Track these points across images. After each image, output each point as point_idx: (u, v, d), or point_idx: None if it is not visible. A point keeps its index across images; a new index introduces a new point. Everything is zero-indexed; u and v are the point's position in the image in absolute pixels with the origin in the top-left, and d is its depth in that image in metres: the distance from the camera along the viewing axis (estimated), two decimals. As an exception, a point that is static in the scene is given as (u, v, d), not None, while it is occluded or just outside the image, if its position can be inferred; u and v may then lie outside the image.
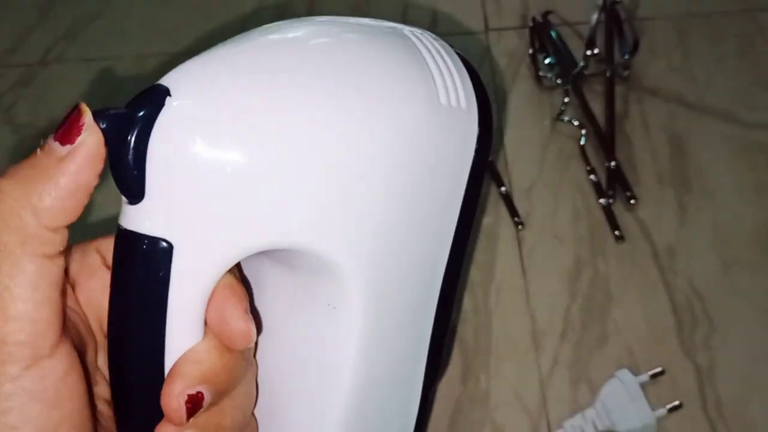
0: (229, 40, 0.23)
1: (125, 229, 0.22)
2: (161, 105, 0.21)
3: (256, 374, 0.27)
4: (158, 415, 0.23)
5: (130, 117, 0.21)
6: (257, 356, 0.27)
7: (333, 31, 0.24)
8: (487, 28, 0.64)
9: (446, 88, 0.25)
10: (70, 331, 0.23)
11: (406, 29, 0.27)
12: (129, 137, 0.21)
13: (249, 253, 0.23)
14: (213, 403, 0.23)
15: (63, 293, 0.22)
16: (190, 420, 0.23)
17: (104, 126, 0.21)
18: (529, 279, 0.50)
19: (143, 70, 0.63)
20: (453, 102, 0.26)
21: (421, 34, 0.27)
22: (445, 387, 0.46)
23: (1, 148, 0.60)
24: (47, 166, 0.21)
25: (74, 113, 0.21)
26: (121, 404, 0.24)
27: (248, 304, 0.24)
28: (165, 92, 0.21)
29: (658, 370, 0.46)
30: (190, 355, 0.23)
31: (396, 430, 0.29)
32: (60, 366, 0.22)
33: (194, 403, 0.22)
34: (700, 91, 0.58)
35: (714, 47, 0.61)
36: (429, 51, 0.26)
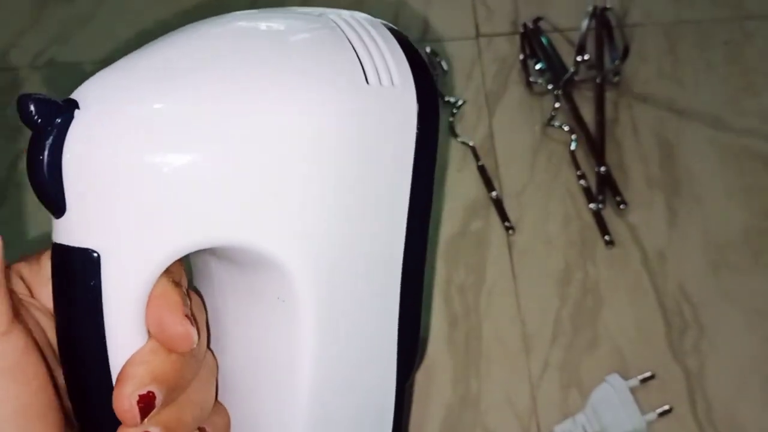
0: (144, 46, 0.23)
1: (55, 243, 0.23)
2: (71, 118, 0.21)
3: (216, 368, 0.27)
4: (115, 419, 0.23)
5: (58, 105, 0.21)
6: (218, 350, 0.27)
7: (246, 25, 0.24)
8: (478, 34, 0.64)
9: (375, 68, 0.25)
10: (26, 320, 0.24)
11: (332, 13, 0.26)
12: (42, 153, 0.21)
13: (178, 256, 0.23)
14: (166, 402, 0.24)
15: (8, 279, 0.23)
16: (151, 419, 0.23)
17: (33, 108, 0.21)
18: (519, 283, 0.50)
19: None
20: (384, 81, 0.25)
21: (350, 16, 0.26)
22: (435, 390, 0.46)
23: (-9, 152, 0.60)
24: None
25: None
26: (79, 411, 0.24)
27: (185, 306, 0.24)
28: (74, 105, 0.21)
29: (648, 374, 0.46)
30: (136, 357, 0.23)
31: (372, 421, 0.29)
32: (19, 342, 0.22)
33: (146, 403, 0.23)
34: (689, 97, 0.59)
35: (703, 54, 0.61)
36: (355, 31, 0.25)
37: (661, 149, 0.56)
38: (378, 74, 0.25)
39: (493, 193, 0.54)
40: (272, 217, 0.23)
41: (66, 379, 0.24)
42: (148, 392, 0.23)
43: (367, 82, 0.25)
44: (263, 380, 0.27)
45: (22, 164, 0.62)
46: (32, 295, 0.26)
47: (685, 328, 0.48)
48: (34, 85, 0.63)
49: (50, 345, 0.25)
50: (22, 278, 0.26)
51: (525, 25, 0.62)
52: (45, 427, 0.23)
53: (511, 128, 0.58)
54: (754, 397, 0.45)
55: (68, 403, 0.25)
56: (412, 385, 0.30)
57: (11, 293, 0.23)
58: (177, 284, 0.24)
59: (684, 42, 0.62)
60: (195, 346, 0.24)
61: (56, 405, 0.24)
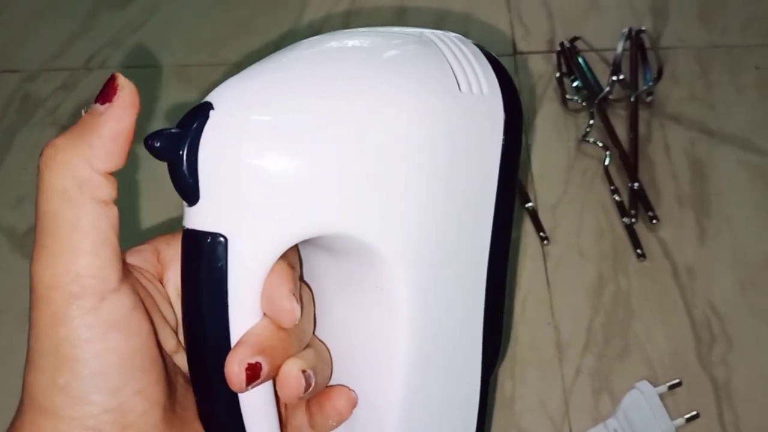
0: (265, 58, 0.27)
1: (187, 228, 0.25)
2: (206, 118, 0.24)
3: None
4: (229, 390, 0.25)
5: (181, 135, 0.24)
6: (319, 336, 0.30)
7: (354, 40, 0.27)
8: (515, 52, 0.67)
9: (466, 77, 0.27)
10: (135, 284, 0.26)
11: (427, 32, 0.30)
12: (182, 149, 0.24)
13: (296, 240, 0.26)
14: (269, 375, 0.26)
15: (118, 240, 0.25)
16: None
17: (158, 144, 0.24)
18: (553, 292, 0.52)
19: (184, 79, 0.65)
20: (474, 89, 0.28)
21: (442, 34, 0.30)
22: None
23: (45, 149, 0.62)
24: (91, 122, 0.24)
25: (110, 80, 0.24)
26: (198, 381, 0.27)
27: (294, 287, 0.26)
28: (209, 107, 0.24)
29: (676, 381, 0.47)
30: (250, 331, 0.26)
31: (459, 412, 0.31)
32: (127, 299, 0.25)
33: (253, 372, 0.25)
34: (720, 120, 0.61)
35: (734, 78, 0.63)
36: (447, 46, 0.28)
37: (692, 168, 0.58)
38: (469, 82, 0.28)
39: (529, 204, 0.56)
40: (376, 210, 0.26)
41: (188, 346, 0.26)
42: (256, 362, 0.25)
43: (460, 89, 0.27)
44: (360, 365, 0.29)
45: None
46: (163, 270, 0.28)
47: (713, 341, 0.49)
48: (87, 86, 0.65)
49: (165, 321, 0.28)
50: (158, 253, 0.29)
51: (562, 44, 0.64)
52: (147, 380, 0.25)
53: (546, 143, 0.60)
54: (779, 409, 0.47)
55: (171, 365, 0.28)
56: (495, 380, 0.33)
57: (125, 264, 0.26)
58: (291, 267, 0.26)
59: (715, 66, 0.64)
60: (297, 322, 0.26)
61: (159, 363, 0.26)
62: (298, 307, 0.26)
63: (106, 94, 0.24)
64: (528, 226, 0.55)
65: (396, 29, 0.29)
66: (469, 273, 0.30)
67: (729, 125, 0.60)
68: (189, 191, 0.24)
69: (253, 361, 0.25)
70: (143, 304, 0.26)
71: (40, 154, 0.24)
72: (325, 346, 0.29)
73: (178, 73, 0.66)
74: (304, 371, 0.26)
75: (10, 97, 0.65)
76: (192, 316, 0.26)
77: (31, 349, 0.25)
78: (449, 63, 0.28)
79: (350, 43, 0.27)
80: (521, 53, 0.67)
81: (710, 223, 0.55)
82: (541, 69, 0.65)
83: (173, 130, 0.24)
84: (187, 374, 0.29)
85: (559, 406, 0.47)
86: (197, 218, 0.25)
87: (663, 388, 0.47)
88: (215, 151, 0.24)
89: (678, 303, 0.51)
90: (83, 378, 0.24)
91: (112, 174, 0.24)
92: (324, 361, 0.28)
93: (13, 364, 0.51)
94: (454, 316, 0.29)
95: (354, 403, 0.29)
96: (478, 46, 0.29)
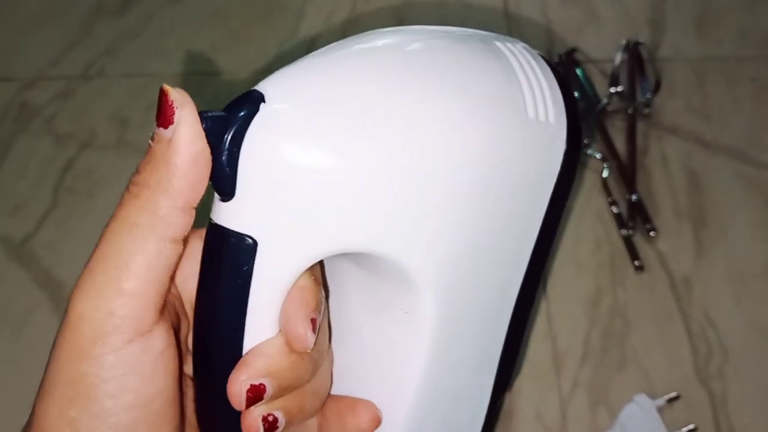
0: (322, 49, 0.25)
1: (215, 224, 0.23)
2: (256, 109, 0.22)
3: (332, 365, 0.28)
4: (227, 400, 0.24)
5: (227, 119, 0.22)
6: (333, 349, 0.28)
7: (422, 41, 0.25)
8: (513, 63, 0.67)
9: (535, 102, 0.25)
10: (168, 310, 0.25)
11: (498, 39, 0.27)
12: (225, 138, 0.22)
13: (327, 254, 0.24)
14: (275, 396, 0.25)
15: (172, 278, 0.24)
16: (274, 404, 0.25)
17: (205, 126, 0.22)
18: (551, 303, 0.52)
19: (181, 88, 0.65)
20: (541, 116, 0.25)
21: (512, 44, 0.27)
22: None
23: (42, 157, 0.62)
24: (162, 153, 0.22)
25: (161, 97, 0.22)
26: (201, 384, 0.26)
27: (314, 309, 0.24)
28: (260, 98, 0.22)
29: (674, 395, 0.47)
30: (260, 348, 0.24)
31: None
32: (159, 343, 0.23)
33: (255, 393, 0.24)
34: (716, 131, 0.61)
35: (731, 90, 0.63)
36: (519, 63, 0.26)
37: (688, 180, 0.58)
38: (537, 109, 0.25)
39: (527, 216, 0.56)
40: (417, 234, 0.24)
41: (196, 349, 0.25)
42: (260, 384, 0.24)
43: (527, 115, 0.25)
44: (370, 379, 0.28)
45: (73, 170, 0.64)
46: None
47: (710, 352, 0.49)
48: (84, 94, 0.65)
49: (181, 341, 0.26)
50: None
51: (560, 56, 0.64)
52: (161, 421, 0.24)
53: (544, 154, 0.60)
54: (776, 421, 0.46)
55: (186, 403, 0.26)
56: (502, 403, 0.31)
57: (168, 290, 0.24)
58: (317, 283, 0.25)
59: (712, 78, 0.64)
60: (308, 350, 0.24)
61: (178, 401, 0.25)
62: (312, 336, 0.24)
63: (164, 114, 0.22)
64: (525, 237, 0.55)
65: (468, 31, 0.27)
66: (498, 305, 0.28)
67: (725, 137, 0.60)
68: (225, 184, 0.22)
69: (256, 382, 0.24)
70: (176, 341, 0.25)
71: (127, 187, 0.23)
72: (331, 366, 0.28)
73: (174, 82, 0.66)
74: (266, 417, 0.25)
75: (7, 105, 0.65)
76: (205, 319, 0.24)
77: (47, 374, 0.23)
78: (520, 84, 0.25)
79: (419, 44, 0.24)
80: (519, 64, 0.67)
81: (707, 235, 0.55)
82: (538, 80, 0.65)
83: (220, 114, 0.22)
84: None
85: (556, 419, 0.47)
86: (228, 215, 0.23)
87: (661, 402, 0.47)
88: (261, 145, 0.22)
89: (675, 315, 0.51)
90: (93, 416, 0.23)
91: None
92: (308, 397, 0.26)
93: (8, 374, 0.51)
94: (475, 344, 0.28)
95: (378, 422, 0.27)
96: (546, 60, 0.27)
